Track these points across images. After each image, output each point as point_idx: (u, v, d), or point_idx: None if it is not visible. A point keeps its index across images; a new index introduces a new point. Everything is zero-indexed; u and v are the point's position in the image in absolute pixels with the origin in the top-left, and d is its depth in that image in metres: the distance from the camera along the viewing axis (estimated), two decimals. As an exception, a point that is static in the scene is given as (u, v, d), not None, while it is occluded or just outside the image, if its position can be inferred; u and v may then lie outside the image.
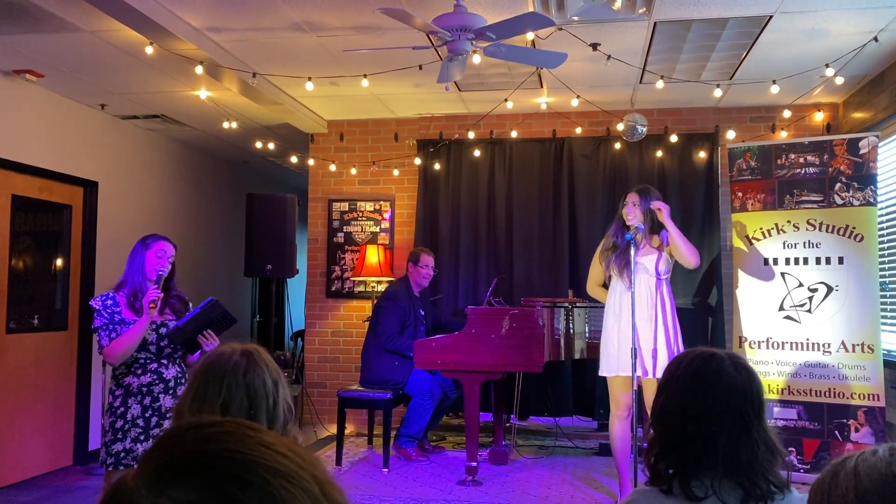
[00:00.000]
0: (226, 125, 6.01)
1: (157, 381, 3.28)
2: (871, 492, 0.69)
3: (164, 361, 3.31)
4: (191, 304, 3.49)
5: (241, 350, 1.66)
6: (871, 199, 4.77)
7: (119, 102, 5.85)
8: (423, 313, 5.75)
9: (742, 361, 1.56)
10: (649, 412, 4.90)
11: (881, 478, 0.70)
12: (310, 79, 4.99)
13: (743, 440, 1.45)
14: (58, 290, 5.72)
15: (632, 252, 4.16)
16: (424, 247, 6.03)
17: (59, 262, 5.73)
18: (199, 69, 4.60)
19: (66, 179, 5.71)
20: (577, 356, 5.27)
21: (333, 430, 5.91)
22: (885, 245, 5.07)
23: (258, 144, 6.51)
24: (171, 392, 3.28)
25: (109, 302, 3.26)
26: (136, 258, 3.34)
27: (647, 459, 1.55)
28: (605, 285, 4.59)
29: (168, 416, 3.25)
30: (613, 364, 4.34)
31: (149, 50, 4.36)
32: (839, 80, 5.03)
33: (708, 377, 1.50)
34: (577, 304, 5.26)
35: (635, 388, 4.16)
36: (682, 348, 4.29)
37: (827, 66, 4.79)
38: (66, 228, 5.78)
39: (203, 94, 5.51)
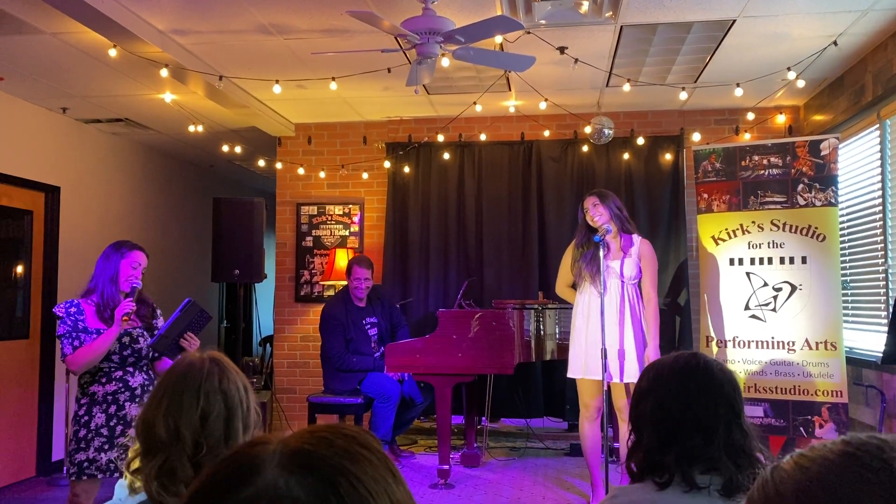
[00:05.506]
0: (191, 129, 5.94)
1: (122, 389, 3.23)
2: None
3: (130, 369, 3.25)
4: (158, 311, 3.44)
5: (209, 358, 1.65)
6: (833, 200, 4.87)
7: (81, 106, 5.74)
8: (374, 319, 5.66)
9: (720, 362, 1.70)
10: (618, 415, 4.87)
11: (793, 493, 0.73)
12: (277, 81, 4.95)
13: (736, 429, 1.57)
14: (19, 297, 5.59)
15: (601, 254, 4.18)
16: (395, 250, 6.00)
17: (19, 268, 5.59)
18: (164, 72, 4.53)
19: (26, 185, 5.58)
20: (547, 357, 5.30)
21: (304, 435, 5.85)
22: (846, 244, 5.18)
23: (225, 148, 6.43)
24: (137, 400, 3.23)
25: (73, 309, 3.20)
26: (109, 264, 3.26)
27: (633, 460, 1.62)
28: (574, 286, 4.61)
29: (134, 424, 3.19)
30: (581, 367, 4.36)
31: (112, 52, 4.28)
32: (800, 84, 5.13)
33: (699, 374, 1.63)
34: (548, 306, 5.28)
35: (605, 389, 4.19)
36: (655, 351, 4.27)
37: (788, 69, 4.88)
38: (27, 235, 5.65)
39: (168, 97, 5.43)
